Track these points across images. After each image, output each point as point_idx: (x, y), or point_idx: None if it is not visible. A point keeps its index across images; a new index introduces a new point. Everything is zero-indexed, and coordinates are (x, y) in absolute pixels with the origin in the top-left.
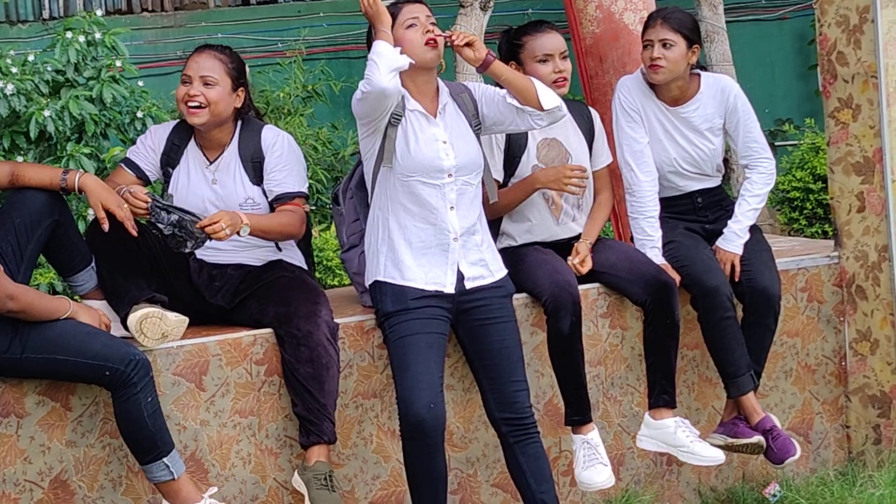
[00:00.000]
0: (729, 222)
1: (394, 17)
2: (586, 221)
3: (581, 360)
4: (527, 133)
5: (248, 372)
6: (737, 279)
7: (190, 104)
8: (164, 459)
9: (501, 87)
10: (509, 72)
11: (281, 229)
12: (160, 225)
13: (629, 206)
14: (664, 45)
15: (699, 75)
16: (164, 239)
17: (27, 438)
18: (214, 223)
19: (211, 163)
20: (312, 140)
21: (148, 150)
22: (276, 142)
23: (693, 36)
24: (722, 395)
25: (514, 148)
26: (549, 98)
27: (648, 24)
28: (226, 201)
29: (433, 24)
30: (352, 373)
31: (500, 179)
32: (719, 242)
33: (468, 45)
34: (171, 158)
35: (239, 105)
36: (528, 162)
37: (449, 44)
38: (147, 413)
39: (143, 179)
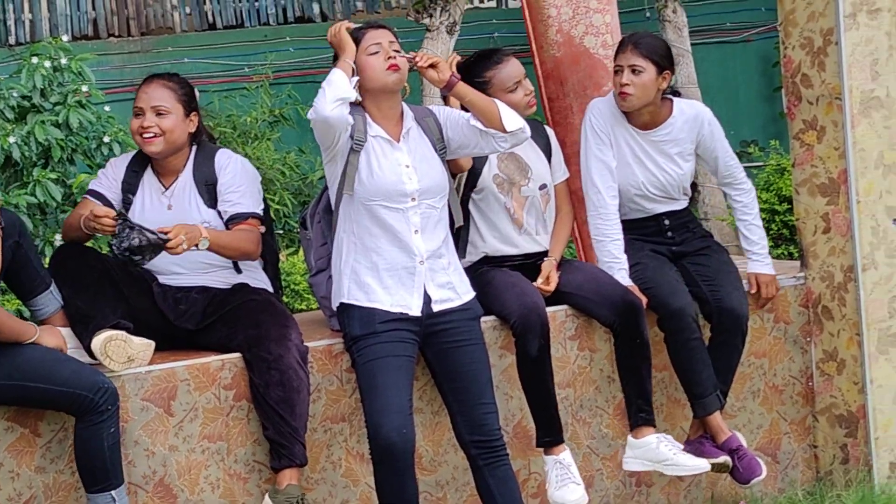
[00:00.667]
0: (748, 248)
1: (357, 41)
2: (551, 238)
3: (551, 381)
4: None
5: (216, 397)
6: (769, 297)
7: (145, 135)
8: (112, 492)
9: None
10: (473, 93)
11: (238, 245)
12: (120, 241)
13: (594, 229)
14: (633, 71)
15: (671, 100)
16: (120, 254)
17: None
18: (173, 237)
19: (166, 188)
20: (280, 164)
21: (110, 180)
22: (230, 164)
23: (664, 62)
24: (689, 415)
25: (476, 161)
26: (513, 120)
27: (619, 50)
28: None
29: (396, 49)
30: (320, 397)
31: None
32: (753, 268)
33: (432, 66)
34: (130, 185)
35: (192, 130)
36: (490, 172)
37: (413, 66)
38: (107, 444)
39: (110, 208)
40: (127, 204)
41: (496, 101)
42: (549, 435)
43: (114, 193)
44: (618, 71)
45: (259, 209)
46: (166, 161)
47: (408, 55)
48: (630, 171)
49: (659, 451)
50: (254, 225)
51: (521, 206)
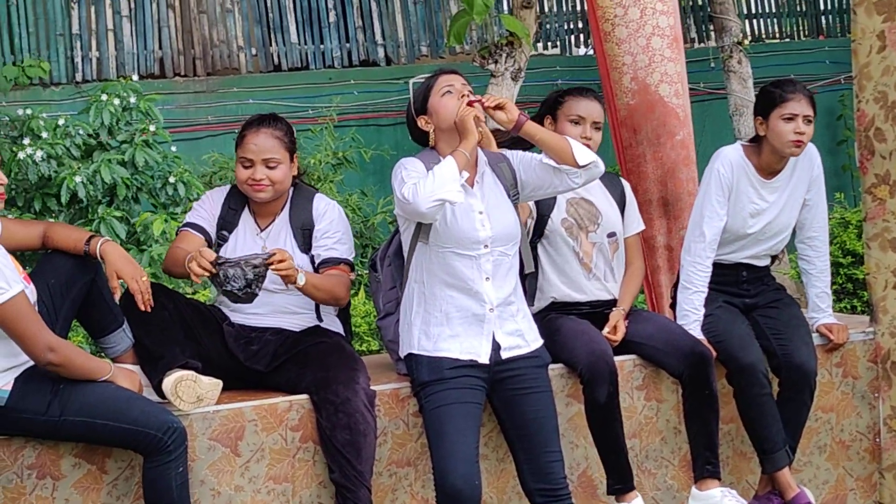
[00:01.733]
0: (814, 314)
1: (430, 87)
2: (620, 289)
3: (620, 428)
4: None
5: (283, 438)
6: (841, 343)
7: (255, 186)
8: None
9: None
10: (543, 131)
11: (331, 289)
12: (228, 288)
13: (684, 275)
14: (807, 121)
15: None
16: (230, 295)
17: (62, 501)
18: (278, 252)
19: (262, 230)
20: (342, 206)
21: (207, 213)
22: (328, 210)
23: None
24: (756, 469)
25: (543, 205)
26: (585, 155)
27: (789, 97)
28: None
29: (469, 91)
30: (386, 440)
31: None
32: (824, 321)
33: (499, 107)
34: (227, 223)
35: (295, 173)
36: (558, 216)
37: (482, 107)
38: (175, 483)
39: (208, 241)
40: (221, 241)
41: (566, 137)
42: (621, 482)
43: (210, 227)
44: (790, 119)
45: (351, 256)
46: (266, 203)
47: (476, 97)
48: (745, 220)
49: None
50: (345, 271)
51: (590, 252)
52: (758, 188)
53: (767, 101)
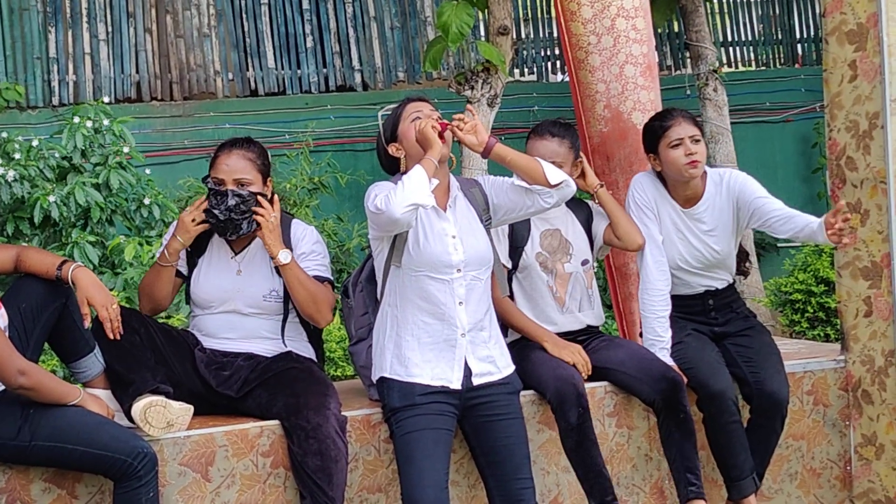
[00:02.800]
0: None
1: (399, 115)
2: None
3: (596, 449)
4: (529, 224)
5: (254, 464)
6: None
7: None
8: None
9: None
10: (513, 153)
11: (315, 292)
12: (216, 211)
13: (641, 304)
14: (694, 140)
15: (705, 173)
16: (219, 225)
17: None
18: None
19: (237, 253)
20: (318, 232)
21: None
22: (306, 234)
23: (702, 130)
24: (725, 496)
25: (517, 238)
26: (556, 175)
27: (668, 125)
28: (249, 291)
29: (438, 116)
30: (357, 466)
31: (508, 266)
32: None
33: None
34: (196, 247)
35: (269, 197)
36: (532, 250)
37: (455, 130)
38: None
39: (181, 277)
40: (192, 266)
41: (536, 158)
42: (604, 499)
43: (181, 260)
44: (677, 144)
45: (332, 279)
46: None
47: (451, 121)
48: (674, 246)
49: None
50: (329, 289)
51: (565, 284)
52: (680, 215)
53: (651, 136)
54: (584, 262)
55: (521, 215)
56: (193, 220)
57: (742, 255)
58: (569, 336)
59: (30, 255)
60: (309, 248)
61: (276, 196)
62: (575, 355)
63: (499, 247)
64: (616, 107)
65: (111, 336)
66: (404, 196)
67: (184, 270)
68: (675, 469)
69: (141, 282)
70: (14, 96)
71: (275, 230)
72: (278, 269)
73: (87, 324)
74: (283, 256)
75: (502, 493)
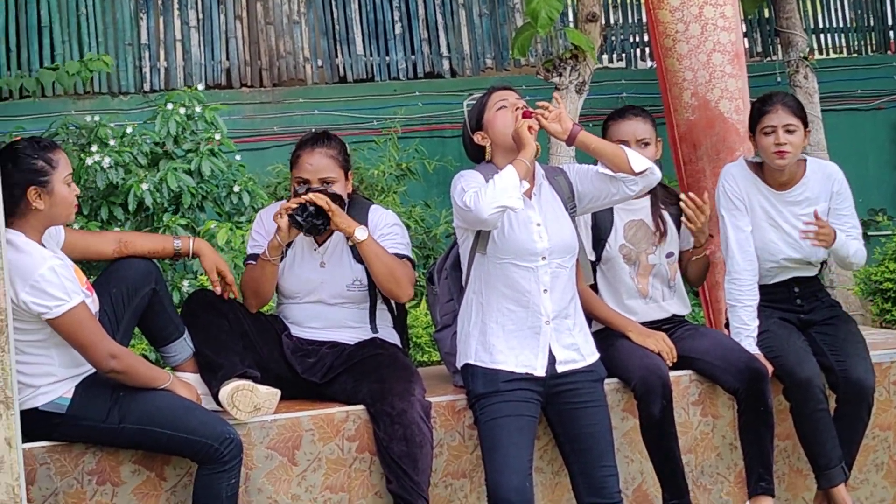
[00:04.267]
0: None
1: (484, 104)
2: None
3: (675, 443)
4: (613, 214)
5: (339, 448)
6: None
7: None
8: None
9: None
10: (597, 140)
11: (393, 266)
12: (298, 218)
13: (728, 294)
14: (787, 131)
15: (805, 160)
16: (306, 228)
17: None
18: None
19: (319, 245)
20: (405, 218)
21: (263, 238)
22: (384, 217)
23: (806, 119)
24: (812, 486)
25: (601, 230)
26: (640, 162)
27: (766, 110)
28: (333, 282)
29: (524, 105)
30: (442, 452)
31: (592, 258)
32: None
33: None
34: None
35: (350, 190)
36: (616, 242)
37: (540, 118)
38: (225, 494)
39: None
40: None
41: (620, 145)
42: (676, 497)
43: None
44: (769, 132)
45: (412, 257)
46: None
47: (536, 109)
48: (765, 234)
49: None
50: (409, 265)
51: (647, 275)
52: (772, 201)
53: (752, 118)
54: (669, 255)
55: (606, 203)
56: (283, 221)
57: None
58: (653, 325)
59: (135, 240)
60: (388, 229)
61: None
62: (660, 343)
63: (583, 238)
64: (703, 95)
65: (228, 296)
66: (494, 197)
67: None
68: (748, 461)
69: (243, 279)
70: (101, 67)
71: (342, 211)
72: (358, 256)
73: (218, 290)
74: (360, 233)
75: (586, 481)
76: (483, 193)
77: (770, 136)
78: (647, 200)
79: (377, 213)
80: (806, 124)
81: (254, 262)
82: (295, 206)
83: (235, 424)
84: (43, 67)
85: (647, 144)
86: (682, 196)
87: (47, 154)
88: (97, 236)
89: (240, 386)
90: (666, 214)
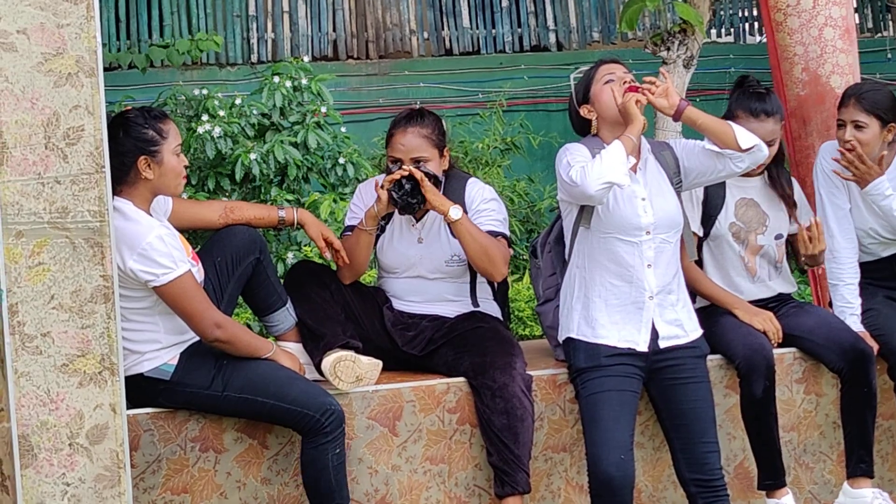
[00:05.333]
0: None
1: (591, 77)
2: None
3: (775, 424)
4: (725, 191)
5: (440, 419)
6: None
7: None
8: None
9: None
10: (704, 116)
11: (487, 245)
12: (394, 194)
13: (829, 273)
14: (857, 127)
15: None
16: (402, 205)
17: (224, 474)
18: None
19: (417, 221)
20: (509, 192)
21: (361, 210)
22: (481, 191)
23: (888, 115)
24: None
25: (711, 206)
26: (747, 139)
27: (843, 102)
28: (431, 258)
29: (631, 79)
30: (543, 425)
31: (700, 233)
32: None
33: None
34: (385, 215)
35: (446, 167)
36: (726, 219)
37: (647, 93)
38: (332, 464)
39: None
40: (379, 231)
41: (727, 122)
42: (771, 478)
43: None
44: (840, 125)
45: (507, 232)
46: None
47: (644, 80)
48: (860, 214)
49: None
50: (503, 243)
51: (754, 256)
52: None
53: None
54: (778, 237)
55: (711, 179)
56: (383, 193)
57: None
58: (759, 303)
59: (241, 207)
60: (484, 205)
61: (446, 157)
62: (766, 322)
63: (691, 213)
64: (814, 70)
65: (342, 262)
66: (601, 172)
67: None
68: (848, 442)
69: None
70: (210, 46)
71: (436, 191)
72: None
73: (328, 255)
74: (454, 213)
75: (687, 457)
76: (590, 168)
77: (840, 130)
78: (759, 180)
79: (475, 187)
80: (886, 121)
81: (350, 234)
82: (394, 179)
83: (337, 395)
84: (153, 44)
85: (771, 145)
86: (811, 220)
87: (158, 124)
88: (203, 205)
89: (342, 356)
90: (776, 197)
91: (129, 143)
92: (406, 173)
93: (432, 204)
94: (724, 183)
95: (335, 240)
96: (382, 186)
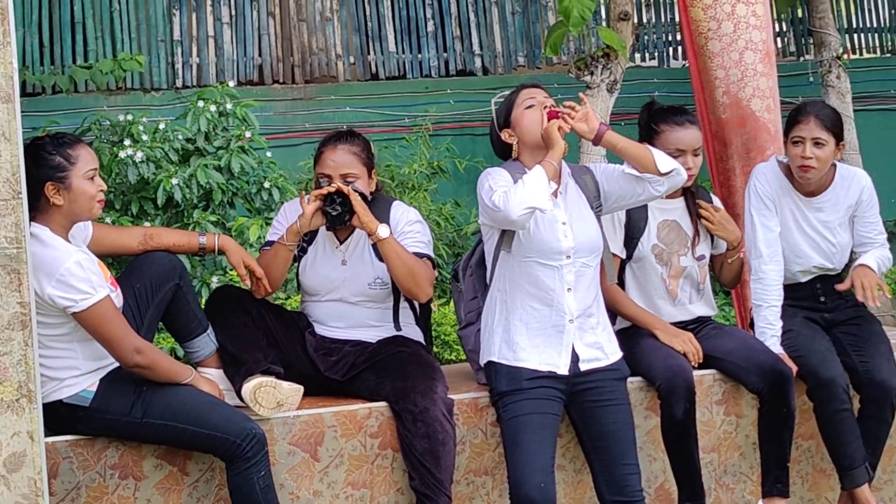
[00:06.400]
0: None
1: (512, 101)
2: None
3: (695, 445)
4: (647, 214)
5: (362, 444)
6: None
7: None
8: None
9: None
10: (624, 141)
11: (413, 266)
12: (327, 208)
13: (754, 294)
14: (816, 144)
15: (835, 165)
16: (331, 218)
17: (144, 501)
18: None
19: (341, 243)
20: (435, 215)
21: (284, 227)
22: (406, 213)
23: (840, 134)
24: (836, 486)
25: (634, 228)
26: (666, 163)
27: (800, 120)
28: (354, 280)
29: (552, 104)
30: (465, 449)
31: (622, 255)
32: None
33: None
34: (307, 235)
35: (373, 189)
36: (649, 241)
37: (566, 118)
38: (259, 487)
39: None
40: (301, 252)
41: (647, 146)
42: (691, 499)
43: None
44: (798, 142)
45: (432, 254)
46: None
47: (564, 104)
48: (792, 237)
49: None
50: (429, 265)
51: (678, 277)
52: (800, 205)
53: (787, 124)
54: (701, 258)
55: (631, 202)
56: (311, 206)
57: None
58: (679, 326)
59: (161, 233)
60: (408, 227)
61: (373, 179)
62: (686, 344)
63: (613, 236)
64: (735, 93)
65: (269, 290)
66: (524, 197)
67: (295, 252)
68: (765, 461)
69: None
70: (134, 66)
71: (366, 207)
72: (380, 254)
73: (248, 284)
74: (382, 231)
75: (608, 479)
76: (512, 194)
77: (798, 147)
78: (681, 202)
79: (399, 210)
80: (839, 139)
81: (269, 248)
82: (325, 193)
83: (258, 420)
84: (76, 65)
85: (697, 155)
86: (702, 204)
87: (66, 150)
88: (123, 231)
89: (263, 382)
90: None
91: (37, 171)
92: (335, 189)
93: (361, 220)
94: (646, 205)
95: (257, 267)
96: (309, 201)
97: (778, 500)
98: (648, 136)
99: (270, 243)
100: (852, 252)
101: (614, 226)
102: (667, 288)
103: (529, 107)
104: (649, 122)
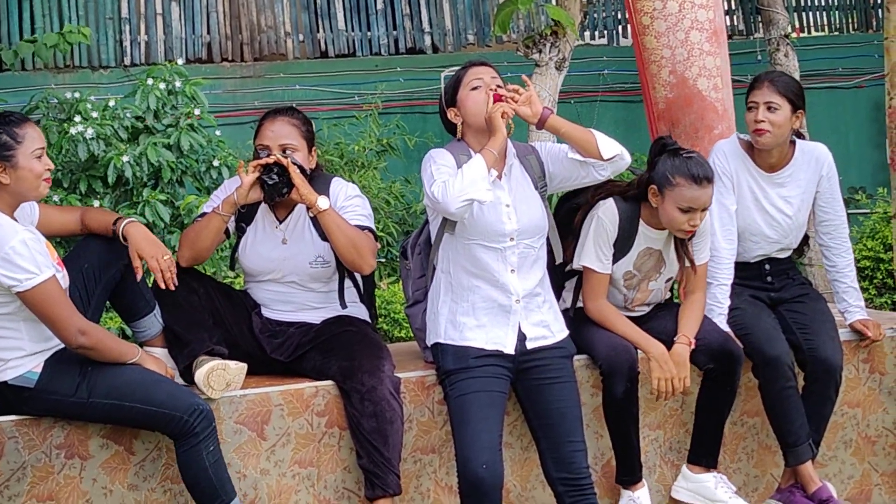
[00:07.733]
0: (845, 308)
1: (459, 80)
2: (681, 320)
3: (634, 423)
4: (634, 240)
5: (308, 423)
6: (878, 339)
7: None
8: None
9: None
10: (568, 125)
11: (355, 237)
12: (264, 177)
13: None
14: (769, 108)
15: (795, 142)
16: (269, 189)
17: (90, 480)
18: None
19: (281, 222)
20: (385, 193)
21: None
22: (344, 188)
23: (797, 101)
24: (780, 462)
25: (617, 251)
26: (610, 148)
27: (754, 86)
28: (295, 260)
29: (498, 85)
30: (411, 427)
31: (607, 273)
32: (855, 317)
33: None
34: (245, 215)
35: (314, 166)
36: (623, 267)
37: (510, 101)
38: (209, 462)
39: (226, 235)
40: (240, 233)
41: (592, 130)
42: (628, 474)
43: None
44: (752, 108)
45: (373, 227)
46: None
47: (507, 87)
48: (749, 214)
49: (716, 492)
50: (370, 237)
51: (644, 299)
52: (760, 182)
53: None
54: (668, 280)
55: (576, 184)
56: (249, 177)
57: (804, 239)
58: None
59: (91, 215)
60: (348, 202)
61: (313, 155)
62: (670, 384)
63: (604, 253)
64: (681, 73)
65: (162, 286)
66: (462, 189)
67: (231, 228)
68: (698, 434)
69: (186, 230)
70: (79, 39)
71: (304, 180)
72: (321, 233)
73: (139, 276)
74: (322, 203)
75: (554, 456)
76: (450, 185)
77: (751, 112)
78: (668, 233)
79: (338, 185)
80: (797, 106)
81: (201, 218)
82: (264, 163)
83: (205, 399)
84: (22, 40)
85: (705, 210)
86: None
87: (12, 129)
88: (65, 212)
89: (214, 366)
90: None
91: None
92: (273, 160)
93: (300, 192)
94: (636, 231)
95: (152, 262)
96: (247, 172)
97: (704, 470)
98: (660, 181)
99: (204, 215)
100: (807, 236)
101: (606, 246)
102: (626, 306)
103: (475, 88)
104: (664, 168)
